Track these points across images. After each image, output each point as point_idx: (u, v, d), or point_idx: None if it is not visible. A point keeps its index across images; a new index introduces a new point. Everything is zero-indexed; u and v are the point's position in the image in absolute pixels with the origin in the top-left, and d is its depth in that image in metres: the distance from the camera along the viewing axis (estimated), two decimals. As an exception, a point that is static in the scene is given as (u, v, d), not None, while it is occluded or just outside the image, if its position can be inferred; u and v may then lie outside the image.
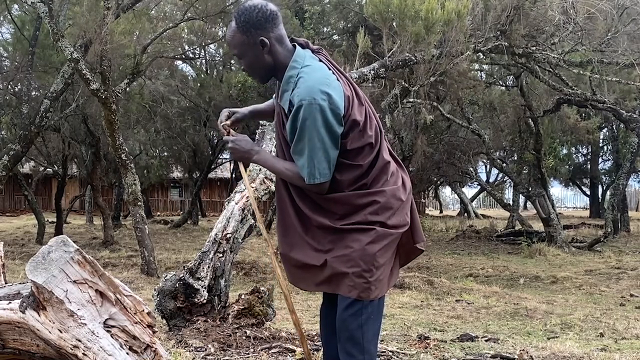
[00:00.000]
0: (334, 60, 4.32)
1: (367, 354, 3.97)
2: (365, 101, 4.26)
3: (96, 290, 4.81)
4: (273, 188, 10.15)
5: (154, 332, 4.98)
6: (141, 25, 20.07)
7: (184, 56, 28.13)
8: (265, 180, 9.96)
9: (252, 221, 9.64)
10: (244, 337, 8.21)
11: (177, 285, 8.84)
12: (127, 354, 4.66)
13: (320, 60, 4.28)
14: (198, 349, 7.80)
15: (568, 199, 72.66)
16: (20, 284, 5.22)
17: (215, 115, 28.80)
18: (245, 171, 4.46)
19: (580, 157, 44.02)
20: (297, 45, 4.27)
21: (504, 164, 30.56)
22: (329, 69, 4.23)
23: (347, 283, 3.93)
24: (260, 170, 10.05)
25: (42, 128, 19.25)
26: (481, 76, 23.97)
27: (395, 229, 4.15)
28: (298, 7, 22.33)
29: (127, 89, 19.54)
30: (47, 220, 27.89)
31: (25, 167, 35.68)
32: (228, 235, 9.18)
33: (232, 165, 35.15)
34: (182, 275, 8.90)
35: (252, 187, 9.60)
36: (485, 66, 22.96)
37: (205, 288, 8.81)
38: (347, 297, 3.94)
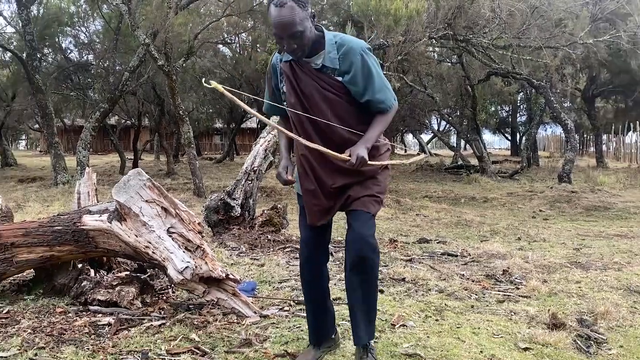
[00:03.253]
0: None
1: (377, 248, 3.87)
2: None
3: (161, 207, 4.91)
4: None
5: (203, 236, 5.08)
6: (193, 19, 20.00)
7: (223, 41, 28.01)
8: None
9: (272, 157, 9.70)
10: (266, 240, 8.34)
11: (219, 203, 8.95)
12: (184, 252, 4.76)
13: None
14: (234, 248, 7.95)
15: (495, 143, 72.43)
16: (108, 202, 5.30)
17: (246, 83, 28.74)
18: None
19: (503, 113, 43.78)
20: None
21: (450, 118, 30.47)
22: None
23: (374, 204, 3.74)
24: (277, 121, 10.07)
25: (123, 92, 19.24)
26: (434, 55, 23.76)
27: None
28: (303, 6, 22.08)
29: (184, 64, 19.49)
30: (127, 157, 27.92)
31: (111, 120, 35.58)
32: (255, 168, 9.26)
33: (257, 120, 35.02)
34: (222, 196, 9.00)
35: (272, 135, 9.63)
36: (436, 48, 22.76)
37: (239, 205, 8.91)
38: (368, 213, 3.71)
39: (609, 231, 10.51)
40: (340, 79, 3.56)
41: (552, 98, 20.23)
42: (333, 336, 4.15)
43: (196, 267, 4.67)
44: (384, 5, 13.86)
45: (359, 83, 3.54)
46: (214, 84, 3.36)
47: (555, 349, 4.25)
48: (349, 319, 4.85)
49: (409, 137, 60.00)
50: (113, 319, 4.69)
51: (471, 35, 15.63)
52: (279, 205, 9.25)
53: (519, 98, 36.17)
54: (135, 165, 24.74)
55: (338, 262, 7.02)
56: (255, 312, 4.86)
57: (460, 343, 4.33)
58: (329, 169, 3.71)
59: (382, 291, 5.62)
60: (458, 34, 15.38)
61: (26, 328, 4.48)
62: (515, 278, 6.43)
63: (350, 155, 3.45)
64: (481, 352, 4.17)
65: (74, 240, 5.12)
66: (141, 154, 31.50)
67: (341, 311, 4.96)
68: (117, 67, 22.88)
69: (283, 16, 3.37)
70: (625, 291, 5.90)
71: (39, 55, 20.87)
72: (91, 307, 4.95)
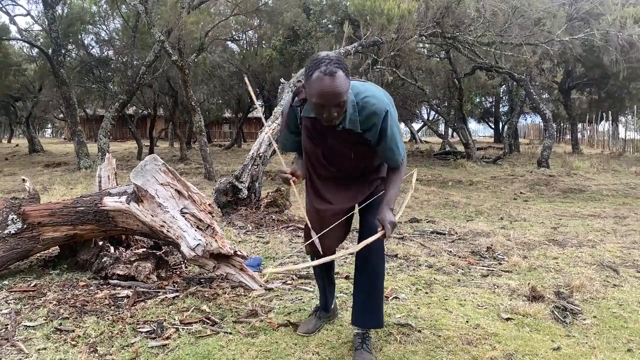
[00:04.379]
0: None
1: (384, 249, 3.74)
2: None
3: (175, 190, 4.89)
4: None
5: (213, 216, 5.06)
6: (204, 18, 19.92)
7: (232, 38, 27.93)
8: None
9: (275, 145, 9.67)
10: (271, 220, 8.32)
11: (228, 186, 8.93)
12: (195, 230, 4.74)
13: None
14: (241, 227, 7.92)
15: (480, 131, 72.22)
16: (126, 185, 5.29)
17: (252, 76, 28.68)
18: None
19: (487, 104, 43.64)
20: None
21: (439, 108, 30.43)
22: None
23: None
24: (280, 111, 10.03)
25: (140, 85, 19.15)
26: (424, 51, 23.67)
27: None
28: (305, 6, 21.97)
29: (195, 59, 19.44)
30: (144, 144, 27.88)
31: (129, 110, 35.43)
32: (260, 154, 9.23)
33: (263, 109, 34.98)
34: (230, 179, 8.98)
35: (277, 123, 9.59)
36: (426, 45, 22.65)
37: (246, 188, 8.89)
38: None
39: (584, 212, 10.50)
40: (361, 132, 3.25)
41: (531, 90, 20.18)
42: (332, 307, 4.14)
43: (207, 244, 4.65)
44: (378, 5, 13.79)
45: (375, 138, 3.26)
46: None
47: (535, 319, 4.25)
48: (347, 291, 4.87)
49: (401, 126, 59.83)
50: (131, 291, 4.69)
51: (458, 33, 15.53)
52: (282, 188, 9.24)
53: (501, 90, 36.11)
54: (151, 152, 24.74)
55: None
56: (260, 286, 4.86)
57: (448, 314, 4.34)
58: (342, 195, 3.57)
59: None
60: (446, 32, 15.29)
61: (52, 300, 4.50)
62: (498, 254, 6.43)
63: (383, 228, 3.21)
64: (467, 322, 4.17)
65: (95, 220, 5.13)
66: (157, 141, 31.35)
67: (339, 284, 4.96)
68: (135, 62, 22.80)
69: (335, 86, 2.90)
70: (599, 266, 5.90)
71: (63, 51, 20.76)
72: (111, 281, 4.95)
